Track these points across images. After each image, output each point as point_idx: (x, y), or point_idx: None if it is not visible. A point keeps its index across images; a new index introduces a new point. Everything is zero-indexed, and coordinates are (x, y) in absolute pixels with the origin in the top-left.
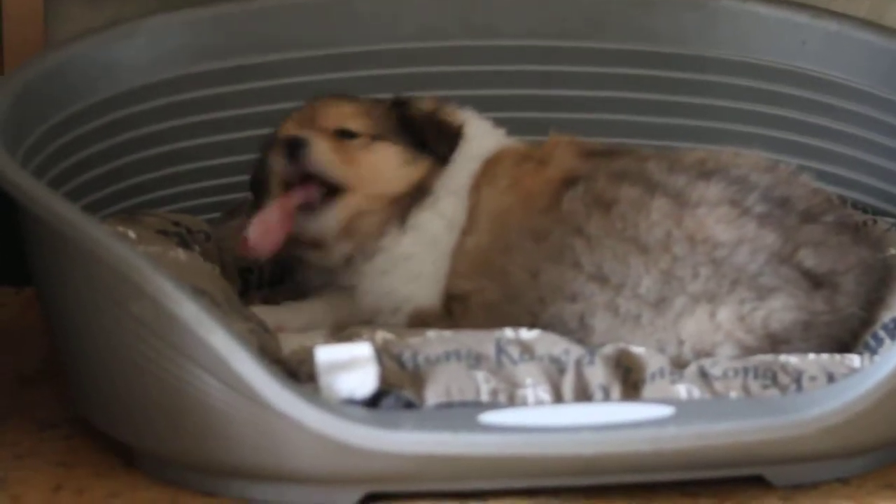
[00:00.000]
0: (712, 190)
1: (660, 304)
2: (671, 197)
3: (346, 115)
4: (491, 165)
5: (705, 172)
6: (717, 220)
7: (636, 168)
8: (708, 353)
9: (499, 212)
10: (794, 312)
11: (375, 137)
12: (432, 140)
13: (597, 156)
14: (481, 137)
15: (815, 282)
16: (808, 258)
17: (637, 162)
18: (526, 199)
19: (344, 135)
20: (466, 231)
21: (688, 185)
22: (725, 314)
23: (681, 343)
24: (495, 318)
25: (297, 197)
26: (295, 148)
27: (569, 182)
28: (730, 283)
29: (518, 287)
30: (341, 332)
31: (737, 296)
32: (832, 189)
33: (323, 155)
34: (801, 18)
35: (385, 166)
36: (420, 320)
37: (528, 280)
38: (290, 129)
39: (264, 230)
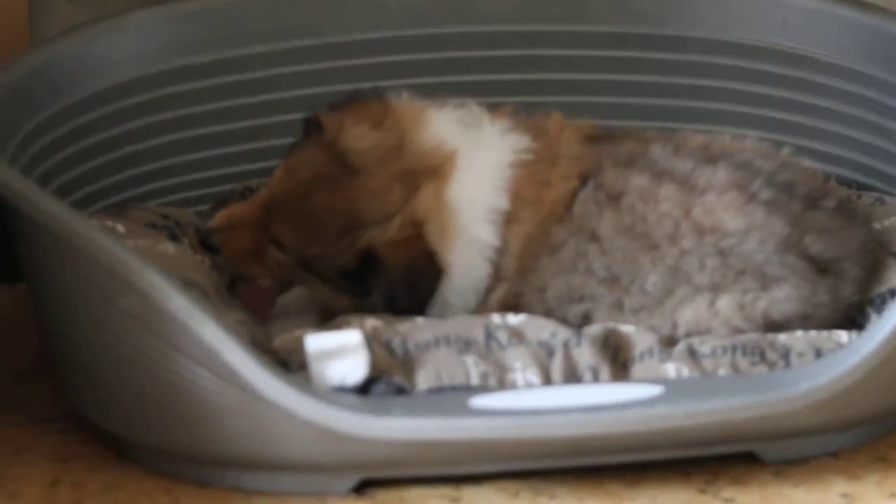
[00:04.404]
0: (719, 175)
1: (664, 296)
2: (678, 183)
3: (297, 239)
4: (509, 207)
5: (711, 157)
6: (725, 207)
7: (641, 152)
8: (700, 335)
9: (524, 244)
10: (797, 304)
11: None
12: (402, 296)
13: (600, 141)
14: (490, 185)
15: (821, 268)
16: (813, 245)
17: (641, 145)
18: (545, 216)
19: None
20: (495, 283)
21: (694, 169)
22: (725, 301)
23: (675, 327)
24: None
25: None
26: (205, 237)
27: (579, 180)
28: (735, 273)
29: (528, 307)
30: (329, 319)
31: (741, 285)
32: (815, 165)
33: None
34: None
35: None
36: None
37: (538, 297)
38: (233, 217)
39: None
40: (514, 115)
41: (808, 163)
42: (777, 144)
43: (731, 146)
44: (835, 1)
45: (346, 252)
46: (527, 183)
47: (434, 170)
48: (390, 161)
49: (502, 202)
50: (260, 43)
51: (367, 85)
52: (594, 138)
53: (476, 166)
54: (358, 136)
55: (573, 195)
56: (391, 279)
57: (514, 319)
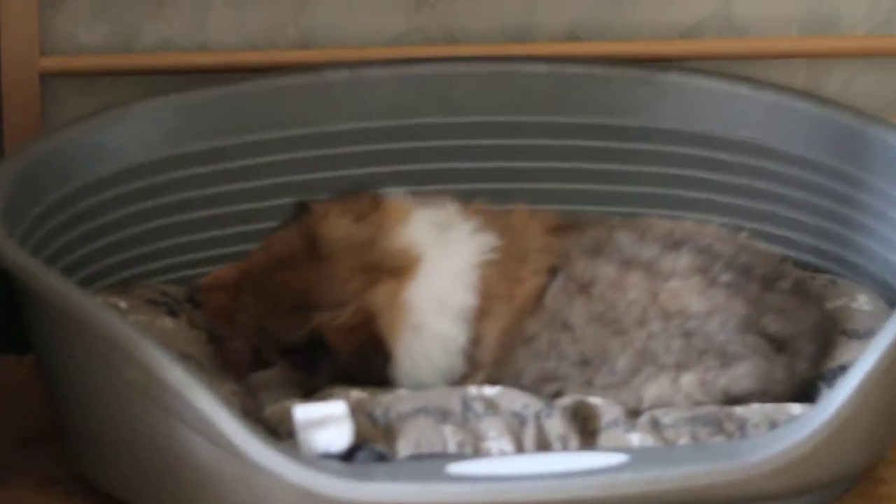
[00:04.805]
0: (683, 261)
1: (631, 376)
2: (644, 269)
3: (257, 309)
4: (480, 304)
5: (675, 243)
6: (689, 292)
7: (607, 240)
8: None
9: (500, 337)
10: (755, 380)
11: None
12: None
13: (566, 231)
14: (456, 286)
15: (778, 347)
16: (771, 324)
17: (606, 232)
18: (518, 310)
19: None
20: (471, 371)
21: (659, 256)
22: (688, 378)
23: (640, 401)
24: None
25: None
26: (193, 293)
27: (549, 274)
28: (699, 353)
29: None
30: (310, 394)
31: (703, 364)
32: (773, 248)
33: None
34: (742, 90)
35: None
36: None
37: (513, 381)
38: (220, 298)
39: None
40: (485, 211)
41: (764, 246)
42: (737, 229)
43: (693, 231)
44: (793, 95)
45: (295, 330)
46: (497, 281)
47: (397, 270)
48: (357, 254)
49: (470, 300)
50: (254, 132)
51: (354, 172)
52: (559, 228)
53: (441, 270)
54: (334, 226)
55: (544, 288)
56: (339, 362)
57: (489, 391)
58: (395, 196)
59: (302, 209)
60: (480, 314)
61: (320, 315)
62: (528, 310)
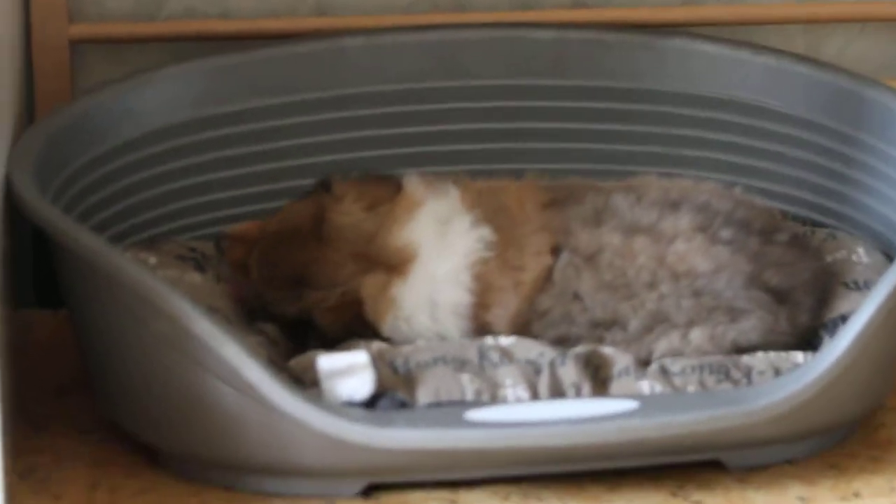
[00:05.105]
0: (683, 221)
1: (643, 334)
2: (647, 233)
3: (259, 274)
4: (477, 301)
5: (673, 203)
6: (695, 252)
7: (605, 206)
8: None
9: (512, 320)
10: (761, 333)
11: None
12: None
13: (561, 204)
14: (447, 291)
15: (779, 299)
16: (772, 278)
17: (603, 198)
18: (528, 294)
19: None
20: None
21: (660, 218)
22: (698, 333)
23: (650, 354)
24: None
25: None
26: (218, 239)
27: (552, 253)
28: (708, 310)
29: None
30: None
31: (712, 320)
32: (774, 205)
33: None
34: (743, 55)
35: None
36: None
37: None
38: (238, 251)
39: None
40: (481, 191)
41: (759, 200)
42: (735, 185)
43: (689, 189)
44: (792, 59)
45: (289, 304)
46: (497, 275)
47: (391, 267)
48: (357, 243)
49: (465, 299)
50: (274, 96)
51: (368, 133)
52: (554, 203)
53: (434, 272)
54: (344, 213)
55: (550, 269)
56: (327, 339)
57: (505, 341)
58: (414, 184)
59: (326, 186)
60: (480, 308)
61: (313, 294)
62: (538, 288)
